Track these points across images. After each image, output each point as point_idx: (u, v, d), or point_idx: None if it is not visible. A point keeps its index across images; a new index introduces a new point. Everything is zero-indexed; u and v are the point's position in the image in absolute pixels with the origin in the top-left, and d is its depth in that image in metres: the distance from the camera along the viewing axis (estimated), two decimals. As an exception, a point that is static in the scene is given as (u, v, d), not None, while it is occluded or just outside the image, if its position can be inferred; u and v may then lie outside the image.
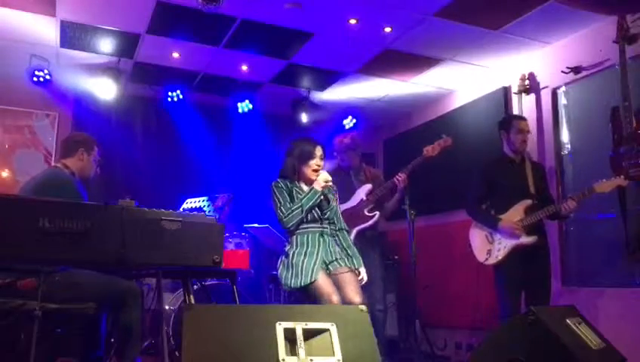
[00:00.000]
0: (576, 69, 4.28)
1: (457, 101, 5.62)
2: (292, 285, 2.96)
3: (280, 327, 1.93)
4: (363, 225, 4.09)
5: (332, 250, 3.11)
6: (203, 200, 3.83)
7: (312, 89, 5.64)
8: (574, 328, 2.63)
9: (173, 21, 4.29)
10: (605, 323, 3.74)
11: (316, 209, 3.12)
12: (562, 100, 4.53)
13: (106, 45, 4.71)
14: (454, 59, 4.90)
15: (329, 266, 3.05)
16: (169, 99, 5.53)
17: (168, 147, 5.84)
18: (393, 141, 6.59)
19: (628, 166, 3.36)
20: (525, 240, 3.54)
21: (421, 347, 4.33)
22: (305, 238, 3.08)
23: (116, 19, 4.31)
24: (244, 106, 5.75)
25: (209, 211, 3.71)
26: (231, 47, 4.72)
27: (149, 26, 4.35)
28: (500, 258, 3.60)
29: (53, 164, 4.33)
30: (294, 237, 3.11)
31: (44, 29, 4.43)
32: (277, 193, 3.12)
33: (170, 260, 2.02)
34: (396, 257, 5.62)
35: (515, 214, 3.61)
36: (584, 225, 4.24)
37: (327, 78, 5.38)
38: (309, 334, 1.97)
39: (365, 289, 3.24)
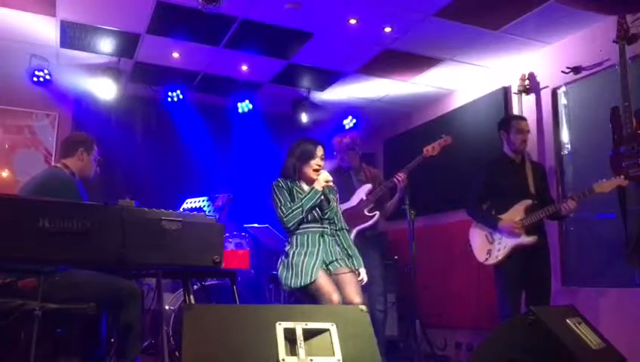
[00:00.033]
0: (576, 69, 4.29)
1: (457, 101, 5.62)
2: (292, 285, 2.97)
3: (280, 327, 1.93)
4: (363, 225, 4.08)
5: (332, 250, 3.11)
6: (203, 200, 3.83)
7: (312, 89, 5.64)
8: (574, 328, 2.63)
9: (173, 21, 4.29)
10: (605, 323, 3.74)
11: (317, 209, 3.12)
12: (562, 100, 4.53)
13: (106, 45, 4.71)
14: (454, 59, 4.90)
15: (329, 266, 3.05)
16: (169, 99, 5.53)
17: (168, 147, 5.85)
18: (393, 141, 6.59)
19: (628, 166, 3.35)
20: (525, 240, 3.54)
21: (421, 347, 4.32)
22: (305, 238, 3.08)
23: (116, 19, 4.31)
24: (244, 106, 5.75)
25: (209, 211, 3.71)
26: (231, 47, 4.72)
27: (149, 26, 4.36)
28: (500, 258, 3.60)
29: (53, 164, 4.33)
30: (294, 237, 3.11)
31: (44, 29, 4.43)
32: (277, 192, 3.12)
33: (170, 260, 2.02)
34: (396, 257, 5.62)
35: (515, 214, 3.61)
36: (584, 225, 4.24)
37: (327, 78, 5.38)
38: (309, 334, 1.97)
39: (365, 289, 3.25)
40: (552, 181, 4.32)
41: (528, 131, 3.81)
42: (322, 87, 5.62)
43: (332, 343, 1.96)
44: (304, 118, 5.68)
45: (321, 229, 3.13)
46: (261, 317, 1.96)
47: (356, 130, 5.90)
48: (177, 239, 2.01)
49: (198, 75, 5.34)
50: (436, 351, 4.69)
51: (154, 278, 3.53)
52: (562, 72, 4.36)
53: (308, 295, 2.94)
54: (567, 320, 2.66)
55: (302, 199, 3.06)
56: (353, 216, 4.03)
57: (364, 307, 2.19)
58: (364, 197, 4.17)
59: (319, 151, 3.19)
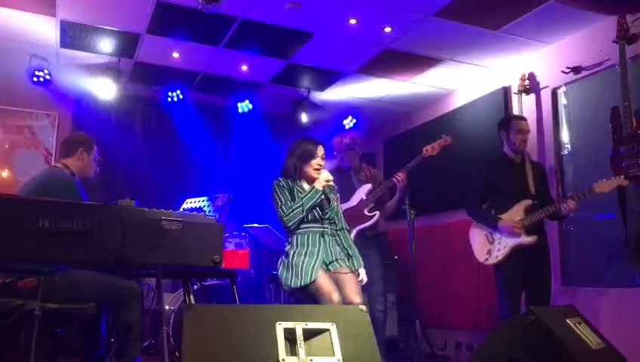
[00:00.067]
0: (576, 69, 4.29)
1: (457, 101, 5.62)
2: (292, 285, 2.97)
3: (280, 327, 1.93)
4: (363, 225, 4.08)
5: (332, 249, 3.11)
6: (203, 201, 3.83)
7: (312, 89, 5.64)
8: (574, 328, 2.63)
9: (173, 21, 4.29)
10: (605, 323, 3.74)
11: (317, 209, 3.12)
12: (562, 100, 4.53)
13: (106, 45, 4.71)
14: (454, 59, 4.90)
15: (329, 266, 3.05)
16: (169, 99, 5.53)
17: (168, 147, 5.85)
18: (393, 141, 6.59)
19: (628, 166, 3.35)
20: (525, 240, 3.54)
21: (421, 347, 4.32)
22: (305, 238, 3.08)
23: (116, 19, 4.31)
24: (244, 106, 5.75)
25: (209, 211, 3.71)
26: (231, 47, 4.72)
27: (149, 26, 4.35)
28: (500, 258, 3.60)
29: (53, 164, 4.33)
30: (295, 236, 3.11)
31: (44, 29, 4.43)
32: (278, 191, 3.12)
33: (170, 260, 2.02)
34: (396, 257, 5.62)
35: (515, 214, 3.61)
36: (584, 225, 4.24)
37: (327, 78, 5.38)
38: (309, 334, 1.97)
39: (365, 289, 3.25)
40: (552, 181, 4.32)
41: (528, 131, 3.81)
42: (322, 87, 5.62)
43: (332, 343, 1.96)
44: (304, 118, 5.68)
45: (321, 229, 3.13)
46: (261, 317, 1.96)
47: (356, 130, 5.90)
48: (177, 239, 2.01)
49: (198, 75, 5.34)
50: (436, 351, 4.69)
51: (154, 278, 3.53)
52: (562, 72, 4.36)
53: (308, 295, 2.94)
54: (567, 320, 2.66)
55: (302, 198, 3.06)
56: (353, 216, 4.03)
57: (364, 307, 2.19)
58: (364, 197, 4.17)
59: (320, 150, 3.19)
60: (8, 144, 5.40)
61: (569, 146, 4.46)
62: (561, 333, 2.48)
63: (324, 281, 2.91)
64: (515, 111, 4.79)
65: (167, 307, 4.15)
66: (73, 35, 4.53)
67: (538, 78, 4.68)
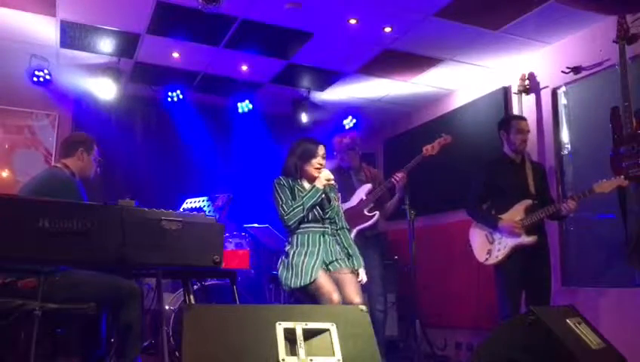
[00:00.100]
0: (576, 69, 4.28)
1: (457, 101, 5.62)
2: (292, 285, 2.97)
3: (280, 327, 1.93)
4: (363, 225, 4.09)
5: (332, 249, 3.11)
6: (203, 201, 3.83)
7: (312, 89, 5.64)
8: (574, 328, 2.63)
9: (173, 21, 4.29)
10: (605, 323, 3.74)
11: (318, 208, 3.13)
12: (562, 100, 4.53)
13: (106, 45, 4.71)
14: (454, 59, 4.90)
15: (329, 266, 3.05)
16: (169, 99, 5.53)
17: (168, 147, 5.85)
18: (393, 141, 6.59)
19: (628, 166, 3.35)
20: (525, 240, 3.54)
21: (421, 347, 4.32)
22: (305, 238, 3.08)
23: (116, 19, 4.31)
24: (244, 106, 5.75)
25: (209, 211, 3.72)
26: (231, 47, 4.72)
27: (149, 26, 4.35)
28: (500, 258, 3.60)
29: (53, 164, 4.33)
30: (295, 236, 3.11)
31: (44, 29, 4.43)
32: (279, 190, 3.13)
33: (170, 260, 2.02)
34: (396, 257, 5.62)
35: (515, 214, 3.61)
36: (584, 225, 4.24)
37: (327, 78, 5.38)
38: (309, 334, 1.97)
39: (365, 289, 3.25)
40: (552, 181, 4.32)
41: (528, 131, 3.81)
42: (322, 87, 5.62)
43: (332, 343, 1.96)
44: (304, 118, 5.68)
45: (322, 229, 3.13)
46: (261, 317, 1.96)
47: (356, 130, 5.90)
48: (177, 239, 2.01)
49: (198, 75, 5.34)
50: (436, 351, 4.69)
51: (154, 278, 3.53)
52: (562, 72, 4.36)
53: (308, 295, 2.94)
54: (567, 320, 2.66)
55: (303, 197, 3.07)
56: (353, 216, 4.03)
57: (364, 307, 2.19)
58: (364, 197, 4.17)
59: (321, 150, 3.20)
60: (8, 144, 5.39)
61: (569, 146, 4.46)
62: (561, 333, 2.48)
63: (324, 281, 2.91)
64: (515, 111, 4.79)
65: (167, 307, 4.15)
66: (73, 35, 4.53)
67: (538, 78, 4.68)
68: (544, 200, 3.68)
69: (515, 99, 4.85)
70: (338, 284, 2.96)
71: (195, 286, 3.85)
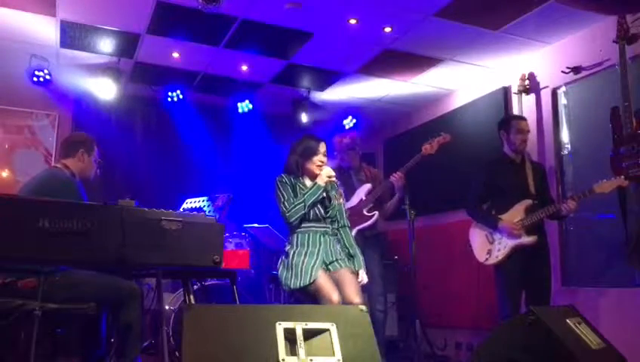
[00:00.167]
0: (576, 69, 4.28)
1: (457, 101, 5.62)
2: (292, 286, 2.96)
3: (280, 327, 1.93)
4: (362, 225, 4.08)
5: (333, 249, 3.11)
6: (203, 201, 3.83)
7: (312, 89, 5.64)
8: (574, 328, 2.63)
9: (173, 21, 4.29)
10: (605, 323, 3.74)
11: (319, 207, 3.12)
12: (562, 100, 4.53)
13: (106, 45, 4.71)
14: (454, 59, 4.90)
15: (329, 266, 3.05)
16: (169, 99, 5.53)
17: (168, 147, 5.85)
18: (393, 141, 6.59)
19: (628, 166, 3.35)
20: (525, 240, 3.54)
21: (421, 347, 4.32)
22: (306, 238, 3.08)
23: (116, 19, 4.31)
24: (244, 106, 5.75)
25: (209, 211, 3.72)
26: (231, 47, 4.72)
27: (149, 26, 4.35)
28: (500, 258, 3.60)
29: (53, 164, 4.33)
30: (295, 236, 3.11)
31: (44, 29, 4.43)
32: (281, 188, 3.13)
33: (170, 260, 2.02)
34: (396, 257, 5.63)
35: (515, 214, 3.61)
36: (584, 225, 4.24)
37: (327, 78, 5.38)
38: (309, 334, 1.97)
39: (365, 289, 3.24)
40: (552, 181, 4.32)
41: (528, 131, 3.81)
42: (322, 87, 5.62)
43: (332, 343, 1.96)
44: (304, 118, 5.68)
45: (322, 229, 3.13)
46: (261, 317, 1.96)
47: (356, 130, 5.90)
48: (177, 239, 2.01)
49: (198, 75, 5.34)
50: (436, 351, 4.69)
51: (154, 278, 3.53)
52: (562, 72, 4.36)
53: (308, 295, 2.94)
54: (567, 320, 2.66)
55: (304, 194, 3.07)
56: (353, 216, 4.02)
57: (364, 307, 2.19)
58: (364, 197, 4.17)
59: (322, 147, 3.20)
60: (8, 144, 5.40)
61: (569, 146, 4.46)
62: (561, 333, 2.48)
63: (323, 282, 2.91)
64: (515, 111, 4.79)
65: (167, 307, 4.15)
66: (73, 35, 4.53)
67: (538, 78, 4.68)
68: (544, 200, 3.68)
69: (515, 99, 4.85)
70: (338, 284, 2.95)
71: (195, 286, 3.85)
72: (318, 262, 2.99)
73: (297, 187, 3.14)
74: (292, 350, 1.91)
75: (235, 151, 6.04)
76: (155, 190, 5.39)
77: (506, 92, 4.99)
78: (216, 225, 2.14)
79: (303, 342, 1.92)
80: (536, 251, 3.58)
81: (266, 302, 4.84)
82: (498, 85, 5.07)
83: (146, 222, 1.97)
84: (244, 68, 5.18)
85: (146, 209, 2.01)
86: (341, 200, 3.30)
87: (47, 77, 5.00)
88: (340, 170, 4.28)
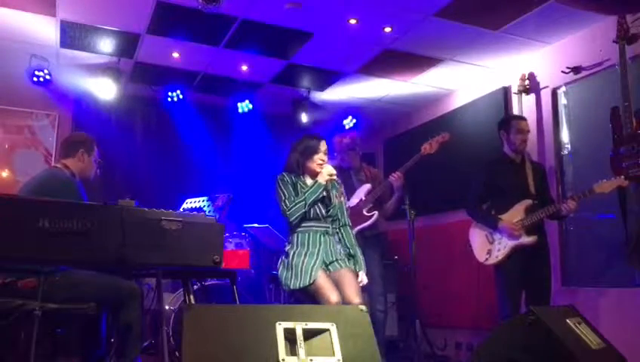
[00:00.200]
0: (576, 69, 4.28)
1: (457, 101, 5.62)
2: (292, 286, 2.96)
3: (280, 327, 1.93)
4: (362, 225, 4.08)
5: (333, 249, 3.10)
6: (203, 201, 3.83)
7: (312, 89, 5.64)
8: (574, 328, 2.63)
9: (173, 21, 4.29)
10: (605, 323, 3.74)
11: (320, 207, 3.12)
12: (562, 100, 4.53)
13: (106, 45, 4.71)
14: (454, 59, 4.90)
15: (329, 267, 3.04)
16: (169, 99, 5.53)
17: (168, 147, 5.85)
18: (393, 141, 6.59)
19: (628, 166, 3.35)
20: (525, 240, 3.54)
21: (421, 347, 4.32)
22: (306, 238, 3.08)
23: (116, 19, 4.31)
24: (244, 106, 5.75)
25: (209, 211, 3.72)
26: (231, 47, 4.72)
27: (149, 26, 4.35)
28: (500, 258, 3.60)
29: (53, 164, 4.33)
30: (295, 235, 3.11)
31: (44, 29, 4.43)
32: (282, 186, 3.13)
33: (170, 260, 2.02)
34: (396, 257, 5.62)
35: (515, 214, 3.61)
36: (584, 225, 4.24)
37: (327, 78, 5.38)
38: (309, 334, 1.97)
39: (365, 289, 3.24)
40: (552, 181, 4.32)
41: (528, 131, 3.81)
42: (322, 87, 5.62)
43: (332, 343, 1.96)
44: (304, 118, 5.68)
45: (323, 228, 3.12)
46: (261, 317, 1.96)
47: (356, 130, 5.90)
48: (177, 239, 2.01)
49: (198, 75, 5.34)
50: (436, 351, 4.69)
51: (154, 278, 3.53)
52: (562, 72, 4.36)
53: (308, 295, 2.94)
54: (567, 320, 2.66)
55: (305, 193, 3.06)
56: (353, 216, 4.01)
57: (364, 307, 2.19)
58: (364, 197, 4.17)
59: (322, 146, 3.20)
60: (8, 144, 5.40)
61: (569, 146, 4.46)
62: (561, 333, 2.48)
63: (323, 282, 2.91)
64: (515, 111, 4.79)
65: (167, 307, 4.15)
66: (73, 35, 4.53)
67: (538, 78, 4.68)
68: (544, 200, 3.68)
69: (515, 99, 4.85)
70: (338, 285, 2.95)
71: (195, 286, 3.85)
72: (318, 262, 2.98)
73: (298, 186, 3.14)
74: (292, 350, 1.91)
75: (235, 151, 6.04)
76: (155, 190, 5.39)
77: (506, 92, 4.99)
78: (216, 225, 2.14)
79: (303, 342, 1.92)
80: (536, 251, 3.58)
81: (266, 302, 4.83)
82: (498, 85, 5.07)
83: (146, 222, 1.97)
84: (244, 68, 5.18)
85: (146, 209, 2.01)
86: (342, 198, 3.29)
87: (47, 77, 5.00)
88: (340, 170, 4.26)
